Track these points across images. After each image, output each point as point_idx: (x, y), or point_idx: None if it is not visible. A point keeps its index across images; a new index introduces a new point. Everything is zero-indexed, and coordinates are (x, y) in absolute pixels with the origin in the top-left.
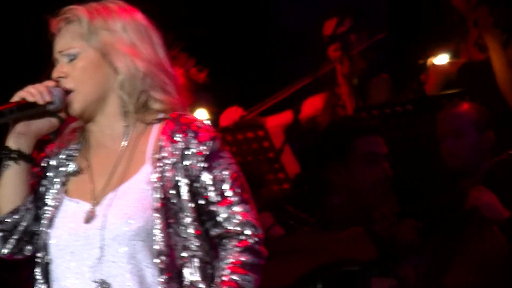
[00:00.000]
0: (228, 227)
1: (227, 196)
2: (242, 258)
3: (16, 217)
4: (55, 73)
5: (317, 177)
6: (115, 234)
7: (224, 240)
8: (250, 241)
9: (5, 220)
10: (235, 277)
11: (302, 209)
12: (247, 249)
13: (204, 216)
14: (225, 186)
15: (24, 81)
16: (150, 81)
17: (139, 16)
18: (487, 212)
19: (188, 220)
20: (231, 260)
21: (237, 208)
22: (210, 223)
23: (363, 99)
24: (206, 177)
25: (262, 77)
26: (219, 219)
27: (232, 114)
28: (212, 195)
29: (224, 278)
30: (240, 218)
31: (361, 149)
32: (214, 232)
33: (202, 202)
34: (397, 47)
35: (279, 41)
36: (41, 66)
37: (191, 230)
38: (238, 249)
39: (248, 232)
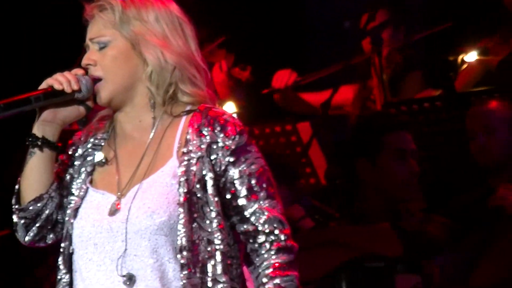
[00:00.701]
0: (256, 224)
1: (254, 191)
2: (279, 260)
3: (39, 205)
4: (84, 60)
5: (346, 171)
6: (138, 228)
7: (254, 242)
8: (281, 240)
9: (28, 208)
10: (277, 281)
11: (328, 204)
12: (280, 250)
13: (231, 211)
14: (252, 181)
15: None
16: (179, 74)
17: (174, 7)
18: None
19: (212, 214)
20: (268, 265)
21: (263, 203)
22: (237, 218)
23: (394, 94)
24: (233, 172)
25: (299, 69)
26: (246, 214)
27: (286, 77)
28: (239, 189)
29: (267, 286)
30: (267, 213)
31: (389, 146)
32: (242, 228)
33: (228, 196)
34: (430, 43)
35: (317, 34)
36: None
37: (215, 224)
38: (272, 252)
39: (276, 231)
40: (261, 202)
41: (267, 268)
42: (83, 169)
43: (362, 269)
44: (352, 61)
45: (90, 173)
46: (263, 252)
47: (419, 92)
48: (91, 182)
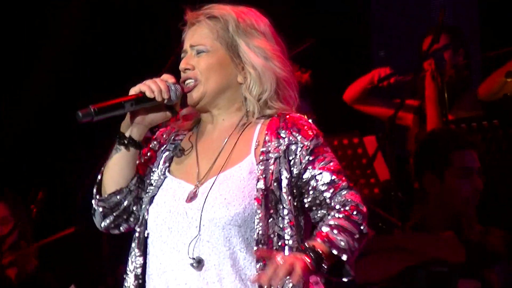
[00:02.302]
0: (333, 203)
1: (335, 182)
2: (342, 223)
3: (118, 197)
4: (183, 64)
5: (407, 184)
6: (212, 217)
7: (328, 215)
8: (353, 212)
9: (108, 199)
10: (330, 234)
11: (390, 213)
12: (348, 218)
13: (314, 205)
14: (333, 175)
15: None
16: (275, 89)
17: (270, 25)
18: None
19: (285, 211)
20: (331, 222)
21: (344, 191)
22: (317, 208)
23: (449, 111)
24: (313, 169)
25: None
26: (326, 200)
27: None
28: (320, 183)
29: (321, 230)
30: (345, 197)
31: (456, 163)
32: (320, 213)
33: (310, 192)
34: (487, 64)
35: (379, 49)
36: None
37: (286, 221)
38: (340, 215)
39: (350, 206)
40: (341, 191)
41: (329, 223)
42: (162, 162)
43: (427, 273)
44: (411, 79)
45: (168, 165)
46: (332, 214)
47: (476, 110)
48: (169, 172)
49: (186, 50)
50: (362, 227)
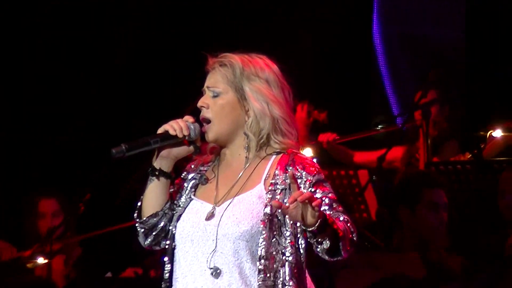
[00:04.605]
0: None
1: (333, 206)
2: (340, 223)
3: (155, 219)
4: (200, 102)
5: (391, 213)
6: (225, 232)
7: None
8: (348, 224)
9: (147, 221)
10: (333, 217)
11: (375, 235)
12: (345, 223)
13: None
14: (332, 201)
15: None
16: (274, 126)
17: (276, 70)
18: None
19: (287, 233)
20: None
21: (340, 214)
22: None
23: (435, 154)
24: (317, 195)
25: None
26: (326, 212)
27: (327, 136)
28: (324, 208)
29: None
30: (342, 214)
31: (426, 199)
32: None
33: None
34: (467, 120)
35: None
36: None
37: (288, 241)
38: (338, 221)
39: (345, 218)
40: (339, 213)
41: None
42: (189, 187)
43: (392, 287)
44: (403, 126)
45: (194, 190)
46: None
47: (454, 156)
48: (194, 195)
49: (204, 90)
50: (353, 235)
